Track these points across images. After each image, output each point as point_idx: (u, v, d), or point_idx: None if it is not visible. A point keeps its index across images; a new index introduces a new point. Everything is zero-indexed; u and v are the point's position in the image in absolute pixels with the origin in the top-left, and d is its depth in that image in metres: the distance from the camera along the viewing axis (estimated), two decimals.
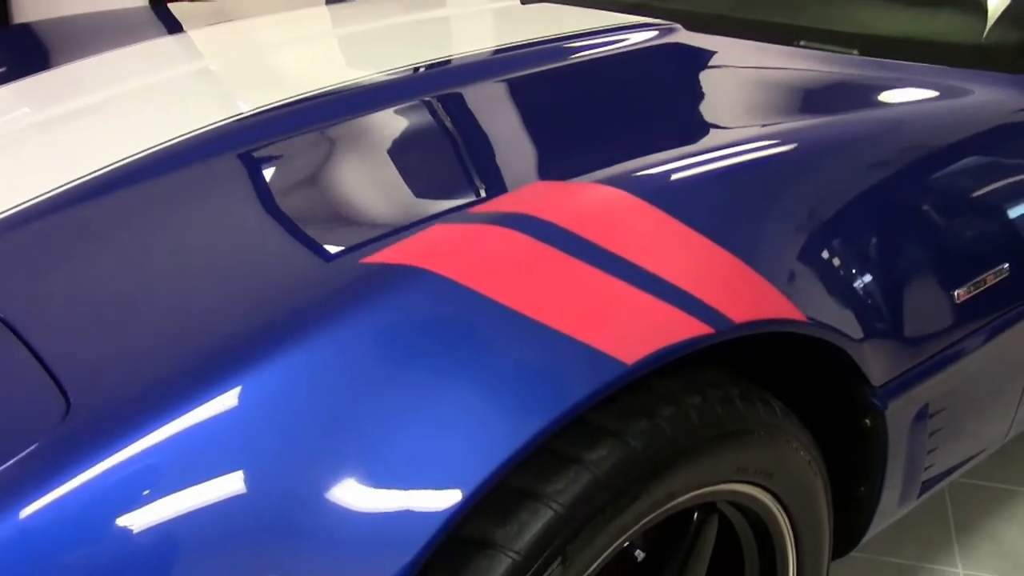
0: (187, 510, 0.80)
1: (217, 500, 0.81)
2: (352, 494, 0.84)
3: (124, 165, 1.30)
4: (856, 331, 1.20)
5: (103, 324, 1.00)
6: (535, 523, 0.93)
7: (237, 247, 1.10)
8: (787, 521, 1.22)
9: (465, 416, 0.88)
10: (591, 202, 1.06)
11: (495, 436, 0.88)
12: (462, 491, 0.86)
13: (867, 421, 1.31)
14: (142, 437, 0.83)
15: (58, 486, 0.80)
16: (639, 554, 1.10)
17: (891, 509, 1.44)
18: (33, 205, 1.22)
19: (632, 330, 0.97)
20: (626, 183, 1.09)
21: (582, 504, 0.95)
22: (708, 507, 1.16)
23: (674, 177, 1.13)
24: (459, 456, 0.87)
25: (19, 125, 1.51)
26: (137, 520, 0.80)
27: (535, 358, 0.92)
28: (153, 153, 1.33)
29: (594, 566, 0.99)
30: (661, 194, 1.09)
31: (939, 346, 1.35)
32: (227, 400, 0.85)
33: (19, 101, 1.63)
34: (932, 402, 1.38)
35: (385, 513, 0.85)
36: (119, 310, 1.02)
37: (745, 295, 1.07)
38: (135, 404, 0.86)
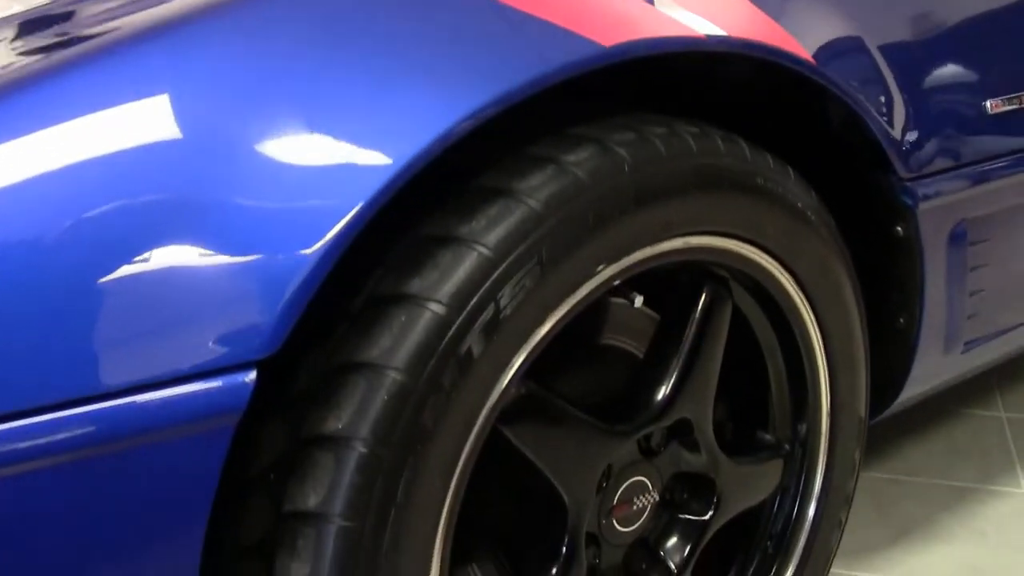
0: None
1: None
2: (296, 144, 0.74)
3: None
4: (873, 99, 1.09)
5: None
6: (506, 217, 0.82)
7: None
8: (812, 316, 1.08)
9: (432, 69, 0.79)
10: None
11: (458, 94, 0.78)
12: (413, 146, 0.75)
13: (899, 228, 1.18)
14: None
15: None
16: (637, 298, 0.97)
17: (934, 356, 1.29)
18: None
19: (613, 21, 0.87)
20: None
21: (559, 203, 0.83)
22: (719, 284, 1.03)
23: None
24: (420, 108, 0.77)
25: None
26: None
27: (508, 34, 0.83)
28: None
29: (581, 292, 0.87)
30: None
31: (969, 154, 1.23)
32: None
33: None
34: (970, 226, 1.25)
35: (328, 167, 0.74)
36: None
37: (743, 21, 0.97)
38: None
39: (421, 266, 0.81)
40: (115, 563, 0.72)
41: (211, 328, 0.71)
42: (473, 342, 0.80)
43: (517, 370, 0.85)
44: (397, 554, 0.80)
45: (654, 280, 1.01)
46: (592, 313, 0.99)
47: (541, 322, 0.85)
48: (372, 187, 0.73)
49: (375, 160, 0.74)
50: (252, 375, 0.72)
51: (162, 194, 0.71)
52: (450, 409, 0.81)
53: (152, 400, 0.69)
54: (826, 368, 1.13)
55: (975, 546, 1.55)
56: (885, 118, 1.11)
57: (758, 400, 1.16)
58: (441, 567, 0.84)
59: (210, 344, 0.71)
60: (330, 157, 0.74)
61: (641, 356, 1.07)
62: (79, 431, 0.68)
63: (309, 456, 0.79)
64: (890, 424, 1.99)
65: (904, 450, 1.86)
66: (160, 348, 0.70)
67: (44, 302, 0.68)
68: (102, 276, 0.68)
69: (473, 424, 0.83)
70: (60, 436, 0.68)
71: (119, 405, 0.69)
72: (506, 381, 0.84)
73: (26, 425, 0.67)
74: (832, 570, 1.50)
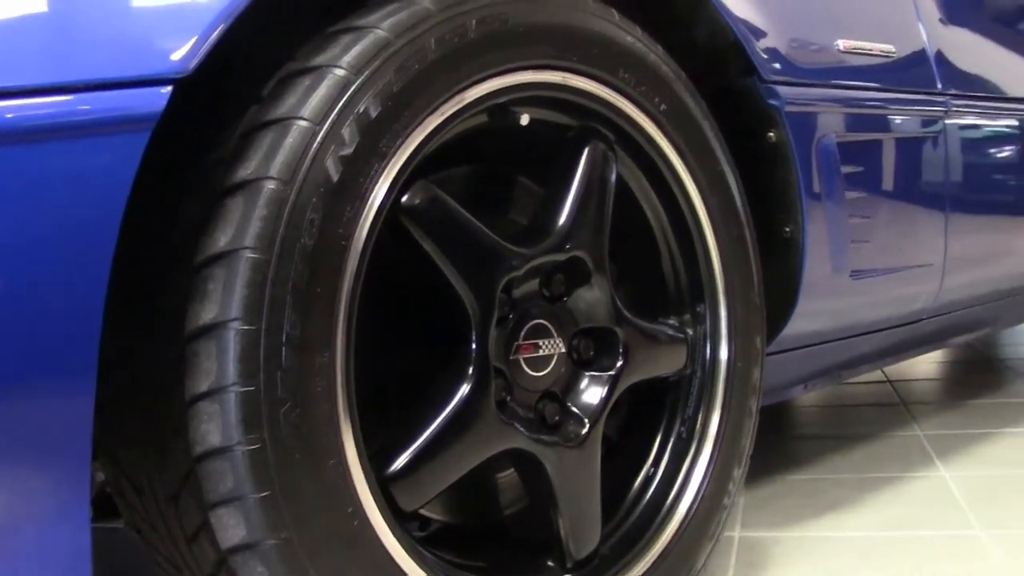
0: None
1: None
2: None
3: None
4: (736, 9, 1.25)
5: None
6: (397, 13, 0.93)
7: None
8: (691, 178, 1.17)
9: None
10: None
11: None
12: None
13: (771, 134, 1.31)
14: None
15: None
16: (524, 116, 1.05)
17: (824, 272, 1.39)
18: None
19: None
20: None
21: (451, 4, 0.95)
22: (605, 144, 1.12)
23: None
24: None
25: None
26: None
27: None
28: None
29: (468, 95, 0.96)
30: None
31: (824, 75, 1.40)
32: None
33: None
34: (840, 148, 1.38)
35: None
36: None
37: None
38: None
39: (327, 45, 0.91)
40: (27, 261, 0.75)
41: (140, 44, 0.81)
42: (370, 105, 0.89)
43: (414, 152, 0.93)
44: (304, 295, 0.85)
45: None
46: None
47: (432, 109, 0.94)
48: None
49: None
50: (168, 89, 0.79)
51: None
52: (352, 165, 0.88)
53: (84, 98, 0.77)
54: (715, 241, 1.20)
55: (899, 508, 1.58)
56: (747, 26, 1.27)
57: (659, 290, 1.23)
58: (348, 325, 0.88)
59: (139, 57, 0.80)
60: None
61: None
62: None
63: (221, 206, 0.85)
64: (809, 444, 2.04)
65: (825, 457, 1.90)
66: (97, 55, 0.79)
67: None
68: None
69: (372, 191, 0.90)
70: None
71: (53, 101, 0.76)
72: (404, 157, 0.92)
73: None
74: (764, 533, 1.52)
